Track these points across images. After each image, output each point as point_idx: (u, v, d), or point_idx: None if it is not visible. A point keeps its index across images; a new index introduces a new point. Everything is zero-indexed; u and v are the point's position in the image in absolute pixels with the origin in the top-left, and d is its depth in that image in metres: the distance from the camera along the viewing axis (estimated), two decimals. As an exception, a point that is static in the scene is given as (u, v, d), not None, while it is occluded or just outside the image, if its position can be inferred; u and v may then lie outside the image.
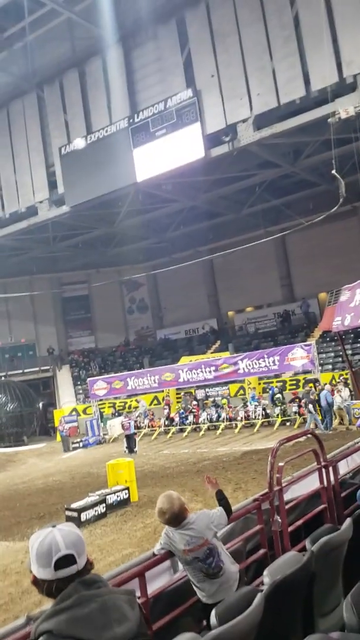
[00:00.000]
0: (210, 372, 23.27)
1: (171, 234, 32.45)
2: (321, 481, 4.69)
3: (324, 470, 4.71)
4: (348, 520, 3.26)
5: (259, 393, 23.90)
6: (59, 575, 1.80)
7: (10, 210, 24.37)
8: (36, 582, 1.86)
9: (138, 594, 3.03)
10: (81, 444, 24.98)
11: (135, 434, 21.69)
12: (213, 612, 2.51)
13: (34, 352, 36.43)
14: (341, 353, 23.81)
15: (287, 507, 4.22)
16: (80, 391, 32.60)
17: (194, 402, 25.33)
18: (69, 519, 10.82)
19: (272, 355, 21.82)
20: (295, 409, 21.36)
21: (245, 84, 18.23)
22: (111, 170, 20.81)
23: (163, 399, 27.66)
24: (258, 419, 21.99)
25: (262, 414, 22.06)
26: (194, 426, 23.57)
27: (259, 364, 21.98)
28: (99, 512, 11.37)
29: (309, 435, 5.40)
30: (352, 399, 19.88)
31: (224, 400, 24.59)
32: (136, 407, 27.42)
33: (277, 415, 21.65)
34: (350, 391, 20.46)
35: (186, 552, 3.23)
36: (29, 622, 2.60)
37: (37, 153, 23.22)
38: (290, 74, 17.32)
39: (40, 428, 33.03)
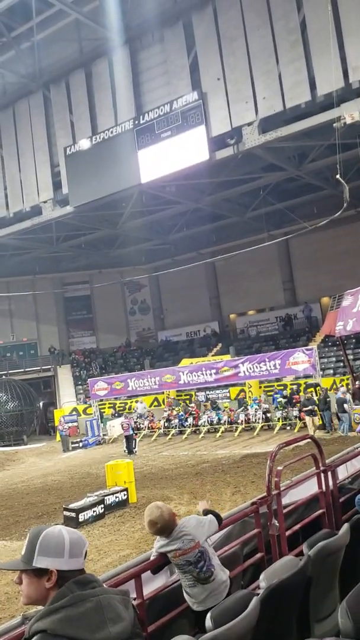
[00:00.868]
0: (211, 374, 23.25)
1: (174, 235, 32.46)
2: (320, 486, 4.68)
3: (322, 475, 4.69)
4: (345, 526, 3.26)
5: (260, 397, 23.86)
6: (83, 565, 1.85)
7: (14, 209, 24.40)
8: (41, 576, 1.82)
9: (134, 595, 3.02)
10: (81, 444, 24.98)
11: (134, 434, 21.66)
12: (208, 615, 2.50)
13: (35, 352, 36.48)
14: (342, 358, 23.78)
15: (285, 511, 4.21)
16: (81, 391, 32.61)
17: (193, 405, 25.31)
18: (67, 519, 10.82)
19: (273, 359, 21.81)
20: (295, 413, 21.34)
21: (251, 87, 18.25)
22: (116, 171, 20.84)
23: (164, 401, 27.67)
24: (258, 422, 21.97)
25: (263, 418, 22.03)
26: (194, 428, 23.56)
27: (260, 367, 21.97)
28: (97, 513, 11.37)
29: (309, 440, 5.39)
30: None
31: (226, 403, 24.57)
32: (136, 409, 27.41)
33: (278, 419, 21.63)
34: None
35: (177, 555, 3.21)
36: (24, 621, 2.59)
37: (42, 153, 23.27)
38: (296, 79, 17.33)
39: (40, 427, 33.04)
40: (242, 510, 4.07)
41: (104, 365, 35.44)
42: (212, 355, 30.41)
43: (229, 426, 22.69)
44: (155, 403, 28.50)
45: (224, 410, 23.65)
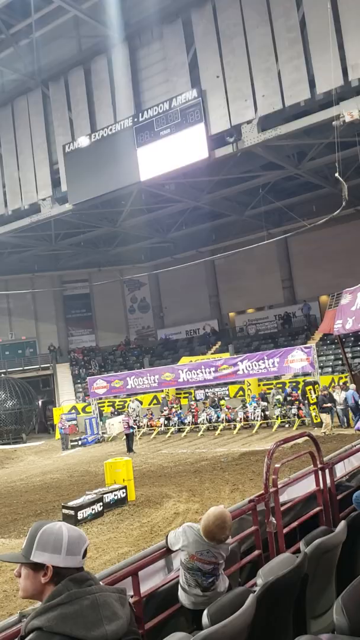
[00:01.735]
0: (210, 372, 23.28)
1: (173, 234, 32.46)
2: (317, 483, 4.69)
3: (320, 472, 4.70)
4: (342, 523, 3.26)
5: (258, 395, 23.87)
6: (82, 563, 1.85)
7: (13, 207, 24.37)
8: (37, 571, 1.83)
9: (131, 592, 3.03)
10: (80, 442, 25.00)
11: (132, 433, 21.67)
12: (205, 612, 2.51)
13: (34, 350, 36.47)
14: (341, 356, 23.81)
15: (282, 508, 4.22)
16: (80, 389, 32.63)
17: (193, 402, 25.33)
18: (65, 516, 10.83)
19: (272, 357, 21.84)
20: (294, 411, 21.37)
21: (251, 85, 18.22)
22: (115, 169, 20.81)
23: (162, 399, 27.67)
24: (257, 420, 22.00)
25: (261, 415, 22.06)
26: (193, 426, 23.59)
27: (259, 365, 22.00)
28: (96, 511, 11.38)
29: (307, 437, 5.39)
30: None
31: (223, 401, 24.59)
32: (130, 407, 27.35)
33: (277, 417, 21.66)
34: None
35: (194, 558, 3.17)
36: (22, 619, 2.60)
37: (41, 150, 23.22)
38: (295, 77, 17.31)
39: (39, 426, 33.07)
40: (239, 507, 4.08)
41: (103, 363, 35.46)
42: (212, 354, 30.44)
43: (227, 424, 22.72)
44: (155, 401, 28.52)
45: (221, 408, 23.67)
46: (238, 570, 3.79)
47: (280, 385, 24.54)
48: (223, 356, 26.12)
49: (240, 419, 22.44)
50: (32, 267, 34.91)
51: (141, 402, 28.00)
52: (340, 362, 25.23)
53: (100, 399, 28.47)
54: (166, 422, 24.65)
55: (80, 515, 10.96)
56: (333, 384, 22.79)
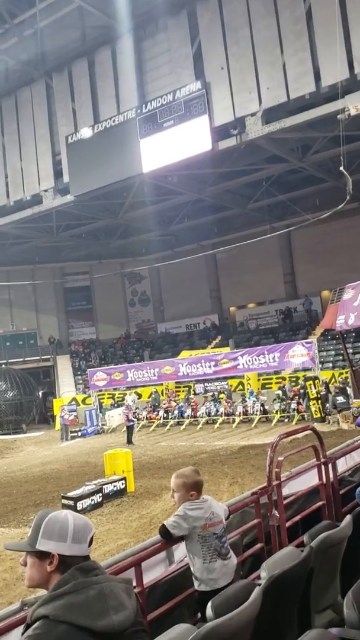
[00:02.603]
0: (210, 366, 23.28)
1: (175, 227, 32.33)
2: (320, 478, 4.67)
3: (323, 466, 4.68)
4: (348, 517, 3.24)
5: (257, 389, 23.86)
6: (88, 551, 1.84)
7: (15, 197, 24.29)
8: (43, 559, 1.81)
9: (134, 583, 3.01)
10: (80, 434, 25.05)
11: (133, 425, 21.72)
12: (209, 604, 2.47)
13: (35, 341, 36.47)
14: (342, 351, 23.79)
15: (285, 502, 4.20)
16: (80, 381, 32.67)
17: (193, 397, 25.34)
18: (65, 507, 10.83)
19: (272, 352, 21.84)
20: (294, 405, 21.38)
21: (255, 77, 18.10)
22: (117, 160, 20.71)
23: (162, 392, 27.69)
24: (256, 414, 22.01)
25: (260, 410, 22.07)
26: (192, 419, 23.62)
27: (259, 360, 21.99)
28: (95, 502, 11.40)
29: (308, 432, 5.37)
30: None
31: (222, 395, 24.61)
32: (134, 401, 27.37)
33: (277, 411, 21.67)
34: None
35: (207, 526, 3.18)
36: (23, 607, 2.59)
37: (44, 141, 23.12)
38: (300, 69, 17.19)
39: (39, 416, 33.13)
40: (242, 500, 4.06)
41: (104, 356, 35.47)
42: (212, 348, 30.42)
43: (226, 418, 22.74)
44: (153, 396, 28.50)
45: (221, 402, 23.69)
46: (240, 563, 3.78)
47: (280, 381, 24.55)
48: (223, 350, 26.11)
49: (240, 412, 22.46)
50: (33, 259, 34.84)
51: (140, 395, 28.03)
52: (341, 357, 25.21)
53: (100, 391, 28.50)
54: (165, 415, 24.68)
55: (79, 505, 10.97)
56: (334, 379, 22.82)
